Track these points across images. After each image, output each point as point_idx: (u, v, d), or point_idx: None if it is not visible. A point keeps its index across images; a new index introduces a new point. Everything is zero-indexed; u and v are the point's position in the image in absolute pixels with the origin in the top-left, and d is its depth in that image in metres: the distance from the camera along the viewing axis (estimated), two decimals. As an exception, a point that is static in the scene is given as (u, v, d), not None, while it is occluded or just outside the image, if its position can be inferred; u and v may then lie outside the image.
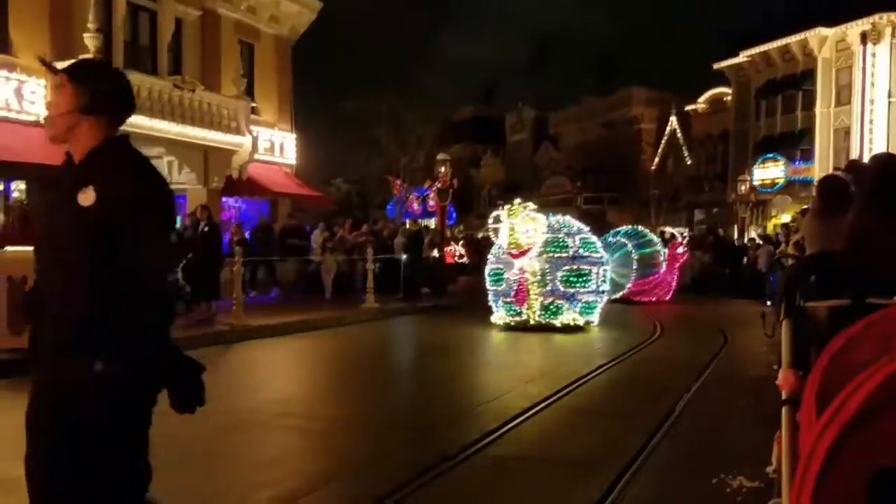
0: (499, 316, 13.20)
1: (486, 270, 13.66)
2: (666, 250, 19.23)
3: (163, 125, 16.87)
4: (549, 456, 5.38)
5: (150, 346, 2.32)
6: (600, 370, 8.99)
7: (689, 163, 43.14)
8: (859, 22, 32.26)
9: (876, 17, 31.77)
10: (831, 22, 33.00)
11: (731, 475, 4.66)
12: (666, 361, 10.00)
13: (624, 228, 19.60)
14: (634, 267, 17.96)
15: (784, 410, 2.05)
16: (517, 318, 12.87)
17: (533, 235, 12.54)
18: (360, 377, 9.03)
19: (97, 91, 2.43)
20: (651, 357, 10.49)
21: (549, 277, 12.67)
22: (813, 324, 2.24)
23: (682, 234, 23.32)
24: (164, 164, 18.89)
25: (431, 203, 23.87)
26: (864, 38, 32.41)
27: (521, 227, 12.56)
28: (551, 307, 12.69)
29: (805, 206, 18.12)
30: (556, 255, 12.75)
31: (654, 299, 18.46)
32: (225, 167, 19.26)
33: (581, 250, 12.96)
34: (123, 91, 2.53)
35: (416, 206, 28.07)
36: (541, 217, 12.82)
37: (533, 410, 6.61)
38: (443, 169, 21.11)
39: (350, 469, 5.03)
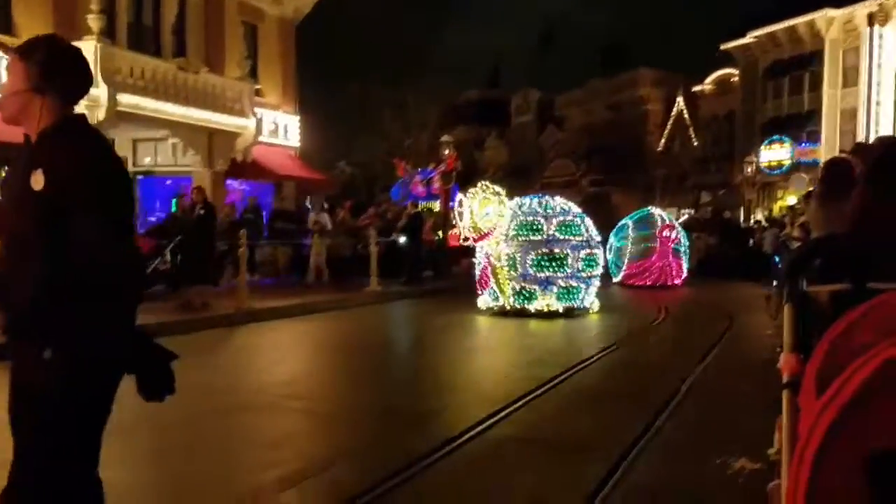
0: (483, 300, 12.97)
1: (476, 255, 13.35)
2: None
3: (167, 107, 16.83)
4: (550, 439, 5.42)
5: (105, 332, 2.22)
6: (602, 353, 9.00)
7: (695, 144, 43.00)
8: (866, 3, 31.95)
9: (883, -2, 31.51)
10: (838, 3, 32.73)
11: (734, 457, 4.70)
12: (670, 344, 10.03)
13: (638, 213, 19.46)
14: (629, 249, 17.89)
15: (785, 394, 2.06)
16: (496, 304, 12.65)
17: (493, 219, 12.20)
18: (360, 360, 9.08)
19: (48, 69, 2.30)
20: (655, 340, 10.51)
21: (518, 262, 12.27)
22: (815, 308, 2.24)
23: (679, 211, 23.19)
24: (168, 146, 18.91)
25: (436, 186, 23.84)
26: (871, 19, 32.13)
27: (478, 211, 12.25)
28: (523, 292, 12.34)
29: (810, 189, 18.04)
30: (528, 239, 12.29)
31: (648, 283, 18.29)
32: (229, 150, 19.22)
33: (557, 233, 12.39)
34: (77, 68, 2.40)
35: (420, 188, 28.03)
36: (496, 200, 12.30)
37: (534, 394, 6.64)
38: (447, 151, 21.07)
39: (352, 452, 5.07)
